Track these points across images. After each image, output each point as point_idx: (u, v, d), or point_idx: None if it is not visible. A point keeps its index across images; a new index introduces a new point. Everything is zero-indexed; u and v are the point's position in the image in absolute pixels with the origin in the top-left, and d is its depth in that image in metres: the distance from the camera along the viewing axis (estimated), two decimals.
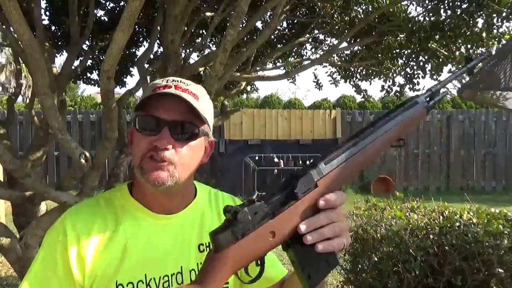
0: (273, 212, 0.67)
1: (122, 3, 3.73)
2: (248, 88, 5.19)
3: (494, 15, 3.03)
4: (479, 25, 3.18)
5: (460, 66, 3.59)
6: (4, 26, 2.81)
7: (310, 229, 0.69)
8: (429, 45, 3.36)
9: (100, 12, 3.87)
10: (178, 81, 0.90)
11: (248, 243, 0.65)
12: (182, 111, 0.86)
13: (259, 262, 0.70)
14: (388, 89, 4.23)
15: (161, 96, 0.85)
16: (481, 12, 3.04)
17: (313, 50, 4.74)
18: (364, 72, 4.42)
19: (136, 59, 3.79)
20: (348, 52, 4.31)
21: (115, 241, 0.88)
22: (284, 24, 4.33)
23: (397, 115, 0.83)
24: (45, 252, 0.87)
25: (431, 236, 2.04)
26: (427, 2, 3.47)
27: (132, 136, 0.92)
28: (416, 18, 3.49)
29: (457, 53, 3.47)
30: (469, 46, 3.36)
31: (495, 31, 3.16)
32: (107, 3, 3.80)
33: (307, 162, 8.42)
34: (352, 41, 3.91)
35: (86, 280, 0.84)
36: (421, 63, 3.72)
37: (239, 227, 0.64)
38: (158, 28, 3.16)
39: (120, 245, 0.88)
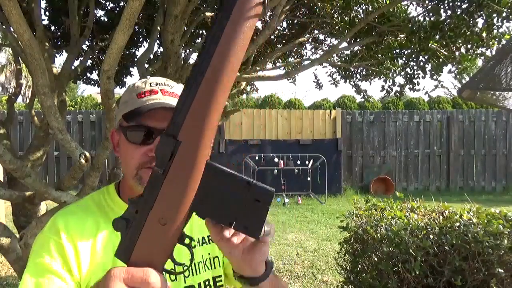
0: (150, 201, 0.57)
1: (122, 3, 3.73)
2: (248, 88, 5.19)
3: (494, 15, 3.03)
4: (479, 25, 3.18)
5: (459, 66, 3.60)
6: (4, 26, 2.81)
7: None
8: (429, 45, 3.36)
9: (100, 12, 3.87)
10: (162, 84, 0.90)
11: (144, 245, 0.58)
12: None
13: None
14: (388, 89, 4.23)
15: (150, 106, 0.85)
16: (481, 12, 3.04)
17: (313, 50, 4.74)
18: (364, 72, 4.42)
19: (136, 59, 3.79)
20: (348, 52, 4.31)
21: (108, 241, 0.87)
22: (284, 24, 4.33)
23: None
24: (39, 249, 0.84)
25: (431, 236, 2.04)
26: (427, 2, 3.47)
27: (116, 142, 0.92)
28: (416, 18, 3.49)
29: (457, 53, 3.47)
30: (469, 46, 3.36)
31: (495, 31, 3.16)
32: (107, 3, 3.80)
33: (307, 162, 8.45)
34: (352, 41, 3.92)
35: (83, 279, 0.83)
36: (421, 63, 3.72)
37: (129, 234, 0.58)
38: (158, 28, 3.16)
39: (114, 244, 0.87)
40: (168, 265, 0.61)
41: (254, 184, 0.58)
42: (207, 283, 0.94)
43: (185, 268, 0.63)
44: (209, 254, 0.97)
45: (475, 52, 3.40)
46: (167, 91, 0.89)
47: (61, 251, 0.83)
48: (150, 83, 0.90)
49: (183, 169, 0.56)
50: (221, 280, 0.97)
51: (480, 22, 3.18)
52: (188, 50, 4.11)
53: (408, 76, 3.97)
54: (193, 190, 0.57)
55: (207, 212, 0.59)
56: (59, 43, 3.75)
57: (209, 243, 0.98)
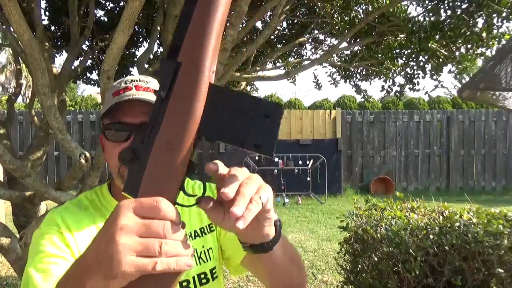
0: (156, 126, 0.56)
1: (122, 3, 3.73)
2: (248, 88, 5.19)
3: (494, 15, 3.03)
4: (479, 25, 3.18)
5: (459, 66, 3.61)
6: (4, 26, 2.81)
7: None
8: (429, 45, 3.36)
9: (100, 12, 3.87)
10: (137, 80, 0.91)
11: (152, 175, 0.55)
12: (147, 111, 0.83)
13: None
14: (388, 89, 4.23)
15: (123, 103, 0.85)
16: (481, 12, 3.05)
17: (313, 50, 4.75)
18: (364, 72, 4.42)
19: (136, 59, 3.80)
20: (348, 52, 4.31)
21: None
22: (284, 24, 4.33)
23: None
24: (38, 241, 0.82)
25: (431, 236, 2.04)
26: (427, 2, 3.47)
27: (103, 143, 0.92)
28: (416, 18, 3.49)
29: (457, 53, 3.47)
30: (469, 46, 3.36)
31: (495, 31, 3.17)
32: (107, 3, 3.80)
33: (307, 162, 8.45)
34: (352, 41, 3.92)
35: None
36: (421, 63, 3.73)
37: (136, 166, 0.56)
38: (158, 28, 3.16)
39: None
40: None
41: (261, 100, 0.56)
42: (202, 276, 0.94)
43: (196, 202, 0.59)
44: (202, 247, 0.96)
45: (475, 52, 3.40)
46: (141, 87, 0.89)
47: (62, 239, 0.83)
48: (126, 81, 0.91)
49: (186, 89, 0.54)
50: (215, 272, 0.97)
51: (480, 22, 3.18)
52: None
53: (408, 76, 3.97)
54: (199, 110, 0.55)
55: (216, 134, 0.56)
56: (59, 43, 3.75)
57: (202, 235, 0.97)
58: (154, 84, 0.92)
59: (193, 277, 0.92)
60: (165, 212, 0.51)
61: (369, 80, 4.45)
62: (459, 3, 3.13)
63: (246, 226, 0.56)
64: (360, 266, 2.32)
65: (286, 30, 4.41)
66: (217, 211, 0.58)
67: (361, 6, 3.74)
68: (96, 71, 4.14)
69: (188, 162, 0.56)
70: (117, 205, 0.52)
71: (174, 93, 0.55)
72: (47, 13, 3.59)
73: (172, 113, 0.55)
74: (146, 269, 0.48)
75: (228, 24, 2.06)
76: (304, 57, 4.76)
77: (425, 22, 3.43)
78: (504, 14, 2.97)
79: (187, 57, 0.54)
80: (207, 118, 0.55)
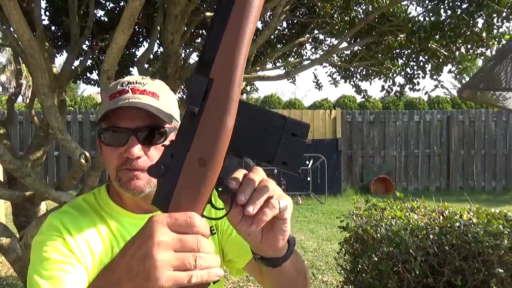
0: (187, 142, 0.56)
1: (122, 3, 3.73)
2: (248, 88, 5.19)
3: (494, 15, 3.04)
4: (479, 25, 3.18)
5: (459, 66, 3.61)
6: (4, 26, 2.81)
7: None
8: (429, 45, 3.36)
9: (100, 12, 3.87)
10: (134, 82, 0.89)
11: (183, 190, 0.55)
12: (144, 116, 0.85)
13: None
14: (388, 89, 4.23)
15: (113, 106, 0.84)
16: (481, 12, 3.05)
17: (313, 50, 4.75)
18: (364, 72, 4.42)
19: (136, 59, 3.80)
20: (348, 52, 4.31)
21: (106, 240, 0.88)
22: (284, 24, 4.33)
23: None
24: (41, 247, 0.82)
25: (431, 236, 2.04)
26: (427, 2, 3.48)
27: (100, 147, 0.92)
28: (416, 18, 3.49)
29: (457, 53, 3.48)
30: (469, 46, 3.36)
31: (495, 31, 3.17)
32: (107, 3, 3.80)
33: (307, 162, 8.45)
34: (352, 41, 3.92)
35: (90, 272, 0.84)
36: (421, 63, 3.73)
37: (167, 180, 0.56)
38: (158, 28, 3.16)
39: (110, 245, 0.88)
40: None
41: (288, 118, 0.58)
42: None
43: (224, 214, 0.61)
44: None
45: (475, 52, 3.40)
46: (138, 89, 0.87)
47: (65, 245, 0.83)
48: (122, 83, 0.89)
49: (219, 106, 0.54)
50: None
51: (480, 22, 3.19)
52: (188, 50, 4.11)
53: (408, 76, 3.97)
54: (231, 127, 0.55)
55: (244, 150, 0.58)
56: (59, 43, 3.75)
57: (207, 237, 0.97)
58: (150, 86, 0.90)
59: None
60: (199, 227, 0.53)
61: (369, 80, 4.44)
62: (459, 3, 3.13)
63: (260, 234, 0.60)
64: (360, 266, 2.32)
65: (286, 30, 4.41)
66: (236, 213, 0.60)
67: (361, 6, 3.74)
68: (96, 71, 4.13)
69: (217, 176, 0.58)
70: (149, 220, 0.53)
71: (207, 109, 0.55)
72: (47, 13, 3.59)
73: (204, 130, 0.55)
74: (183, 283, 0.50)
75: None
76: (304, 57, 4.76)
77: (425, 22, 3.43)
78: (504, 14, 2.97)
79: (220, 74, 0.54)
80: (236, 134, 0.56)
